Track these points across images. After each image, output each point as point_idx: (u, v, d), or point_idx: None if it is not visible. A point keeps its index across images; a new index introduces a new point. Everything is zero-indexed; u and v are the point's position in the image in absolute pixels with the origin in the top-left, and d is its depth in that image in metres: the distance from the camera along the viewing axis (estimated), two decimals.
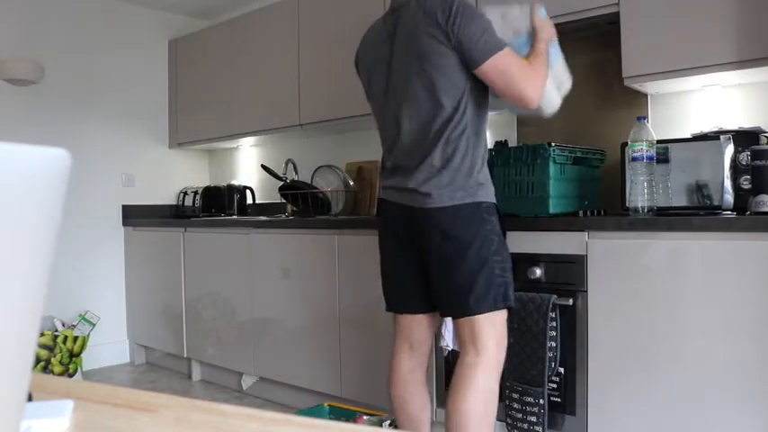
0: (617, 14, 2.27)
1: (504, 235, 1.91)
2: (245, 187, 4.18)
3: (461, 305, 1.84)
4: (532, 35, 1.94)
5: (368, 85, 2.06)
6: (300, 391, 3.01)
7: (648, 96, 2.52)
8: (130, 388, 0.77)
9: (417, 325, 2.02)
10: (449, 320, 2.02)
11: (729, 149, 2.04)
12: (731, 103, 2.36)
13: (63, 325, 3.60)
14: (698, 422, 1.84)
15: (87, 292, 3.86)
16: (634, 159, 2.14)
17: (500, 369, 1.88)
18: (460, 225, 1.82)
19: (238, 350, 3.30)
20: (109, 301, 3.98)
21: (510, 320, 1.94)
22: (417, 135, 1.87)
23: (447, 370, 2.35)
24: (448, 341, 2.15)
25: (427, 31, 1.81)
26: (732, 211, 2.03)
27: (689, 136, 2.25)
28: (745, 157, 2.02)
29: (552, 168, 2.21)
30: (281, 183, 3.41)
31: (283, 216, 3.67)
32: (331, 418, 2.49)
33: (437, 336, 2.07)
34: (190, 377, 3.68)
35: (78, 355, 3.50)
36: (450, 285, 1.86)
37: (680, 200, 2.12)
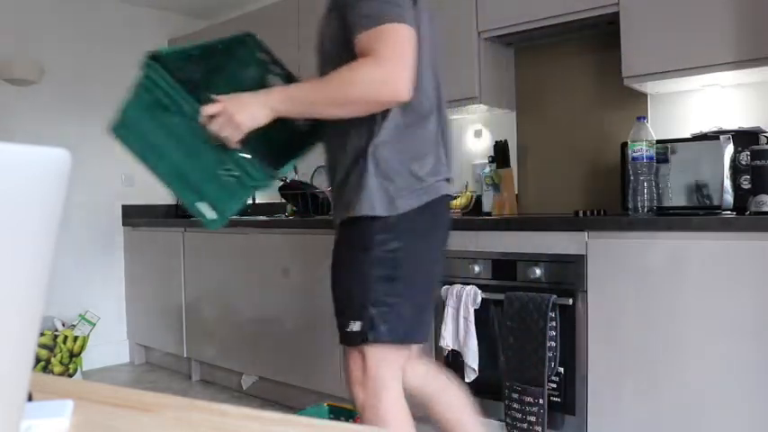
0: (617, 14, 2.27)
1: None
2: None
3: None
4: None
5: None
6: (300, 391, 3.01)
7: (648, 96, 2.52)
8: (130, 388, 0.77)
9: None
10: (449, 318, 2.01)
11: (729, 149, 2.04)
12: (730, 103, 2.36)
13: (63, 325, 3.59)
14: (698, 422, 1.84)
15: (87, 292, 3.86)
16: (634, 159, 2.14)
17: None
18: None
19: (238, 350, 3.30)
20: (109, 301, 3.98)
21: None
22: None
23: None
24: (448, 341, 2.15)
25: None
26: (732, 210, 2.03)
27: (689, 136, 2.26)
28: (744, 157, 2.02)
29: None
30: (281, 183, 3.41)
31: (283, 216, 3.67)
32: (331, 418, 2.49)
33: (436, 334, 2.05)
34: (190, 377, 3.68)
35: (78, 355, 3.50)
36: None
37: (680, 200, 2.12)
